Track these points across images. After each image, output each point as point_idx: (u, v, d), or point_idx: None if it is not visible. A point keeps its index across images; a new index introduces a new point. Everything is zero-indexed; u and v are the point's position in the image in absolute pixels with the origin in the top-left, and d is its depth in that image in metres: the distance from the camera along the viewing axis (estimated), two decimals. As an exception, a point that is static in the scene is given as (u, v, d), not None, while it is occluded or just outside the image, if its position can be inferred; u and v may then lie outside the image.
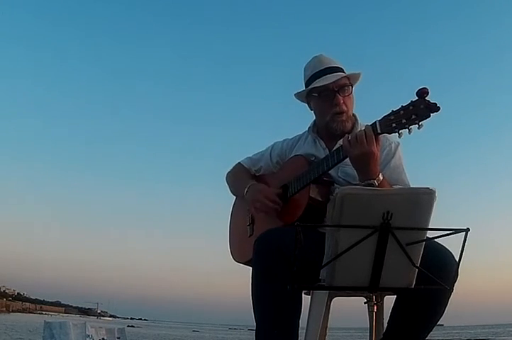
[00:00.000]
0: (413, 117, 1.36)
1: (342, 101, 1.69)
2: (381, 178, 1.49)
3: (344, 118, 1.71)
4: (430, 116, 1.34)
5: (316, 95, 1.73)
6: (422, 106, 1.34)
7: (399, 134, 1.41)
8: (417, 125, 1.37)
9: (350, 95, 1.73)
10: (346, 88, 1.71)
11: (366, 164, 1.47)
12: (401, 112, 1.39)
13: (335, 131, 1.74)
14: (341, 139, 1.73)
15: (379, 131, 1.44)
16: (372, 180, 1.47)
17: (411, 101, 1.37)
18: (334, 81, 1.68)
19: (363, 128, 1.76)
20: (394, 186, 1.60)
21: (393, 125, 1.40)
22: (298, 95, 1.82)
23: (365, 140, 1.44)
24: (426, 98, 1.34)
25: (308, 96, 1.79)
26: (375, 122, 1.46)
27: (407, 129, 1.39)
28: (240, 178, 1.93)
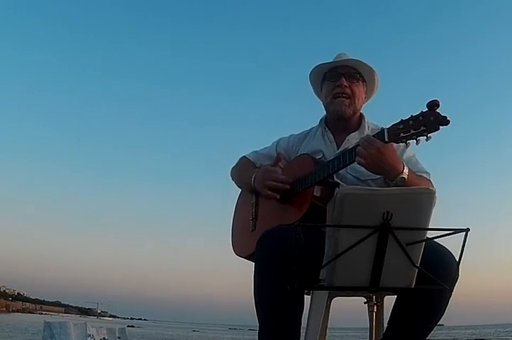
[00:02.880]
0: (422, 128, 1.34)
1: (345, 83, 1.71)
2: (407, 171, 1.47)
3: (345, 102, 1.72)
4: (439, 129, 1.33)
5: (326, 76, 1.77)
6: (432, 118, 1.33)
7: (406, 144, 1.40)
8: (425, 137, 1.35)
9: (358, 84, 1.75)
10: (354, 75, 1.74)
11: (385, 168, 1.45)
12: (410, 122, 1.37)
13: (333, 114, 1.75)
14: (349, 135, 1.74)
15: (386, 140, 1.43)
16: (399, 177, 1.45)
17: (421, 112, 1.36)
18: (341, 65, 1.73)
19: (371, 126, 1.77)
20: (418, 173, 1.60)
21: (401, 134, 1.39)
22: (313, 79, 1.85)
23: (374, 151, 1.42)
24: (437, 111, 1.33)
25: (322, 83, 1.82)
26: (382, 130, 1.45)
27: (415, 140, 1.38)
28: (246, 169, 1.91)
